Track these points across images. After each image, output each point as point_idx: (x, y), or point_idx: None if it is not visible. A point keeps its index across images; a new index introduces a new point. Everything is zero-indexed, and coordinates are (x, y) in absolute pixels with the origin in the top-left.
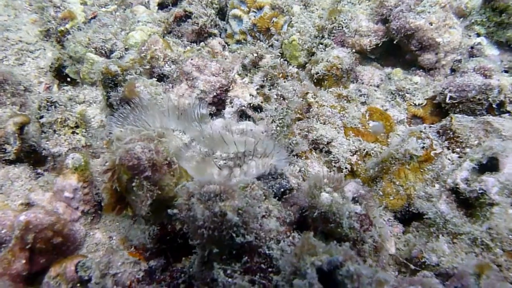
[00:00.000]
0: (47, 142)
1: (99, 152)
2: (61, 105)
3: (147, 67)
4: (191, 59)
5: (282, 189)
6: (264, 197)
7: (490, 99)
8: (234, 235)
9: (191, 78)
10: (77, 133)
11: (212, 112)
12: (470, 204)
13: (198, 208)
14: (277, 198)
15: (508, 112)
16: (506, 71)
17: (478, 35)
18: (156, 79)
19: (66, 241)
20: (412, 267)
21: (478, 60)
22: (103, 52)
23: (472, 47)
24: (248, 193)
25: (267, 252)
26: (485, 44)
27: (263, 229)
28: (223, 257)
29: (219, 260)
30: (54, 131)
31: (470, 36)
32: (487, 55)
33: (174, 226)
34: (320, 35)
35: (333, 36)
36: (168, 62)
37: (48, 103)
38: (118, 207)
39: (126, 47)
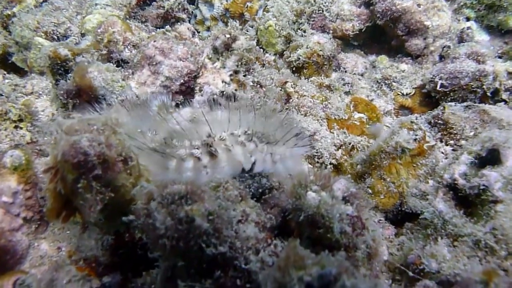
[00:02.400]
0: None
1: (47, 149)
2: (1, 95)
3: (104, 52)
4: (154, 41)
5: (261, 189)
6: (240, 199)
7: (484, 86)
8: (203, 245)
9: (154, 63)
10: (21, 128)
11: (179, 102)
12: (471, 201)
13: (159, 214)
14: (255, 199)
15: (504, 100)
16: (499, 57)
17: (468, 19)
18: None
19: (3, 254)
20: (411, 274)
21: (470, 45)
22: (55, 37)
23: (461, 32)
24: (220, 194)
25: (243, 265)
26: (475, 28)
27: (239, 237)
28: (190, 272)
29: (186, 276)
30: None
31: (459, 20)
32: (477, 41)
33: (132, 235)
34: (299, 20)
35: (313, 20)
36: (129, 47)
37: None
38: (64, 213)
39: (82, 32)
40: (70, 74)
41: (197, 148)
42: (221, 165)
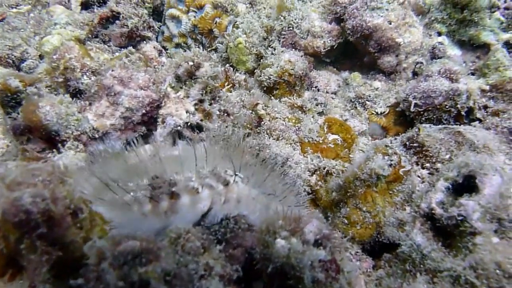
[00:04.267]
0: None
1: None
2: None
3: (60, 79)
4: (112, 70)
5: (228, 235)
6: (202, 250)
7: (458, 105)
8: None
9: (113, 93)
10: None
11: (142, 134)
12: (449, 232)
13: (110, 278)
14: (221, 245)
15: (478, 119)
16: (472, 74)
17: (439, 34)
18: (69, 95)
19: None
20: None
21: (442, 62)
22: (11, 61)
23: (433, 47)
24: (179, 248)
25: None
26: (447, 43)
27: None
28: None
29: None
30: None
31: (430, 35)
32: (449, 56)
33: None
34: (269, 37)
35: (284, 37)
36: (87, 73)
37: None
38: (9, 272)
39: (40, 54)
40: (21, 109)
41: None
42: (183, 210)
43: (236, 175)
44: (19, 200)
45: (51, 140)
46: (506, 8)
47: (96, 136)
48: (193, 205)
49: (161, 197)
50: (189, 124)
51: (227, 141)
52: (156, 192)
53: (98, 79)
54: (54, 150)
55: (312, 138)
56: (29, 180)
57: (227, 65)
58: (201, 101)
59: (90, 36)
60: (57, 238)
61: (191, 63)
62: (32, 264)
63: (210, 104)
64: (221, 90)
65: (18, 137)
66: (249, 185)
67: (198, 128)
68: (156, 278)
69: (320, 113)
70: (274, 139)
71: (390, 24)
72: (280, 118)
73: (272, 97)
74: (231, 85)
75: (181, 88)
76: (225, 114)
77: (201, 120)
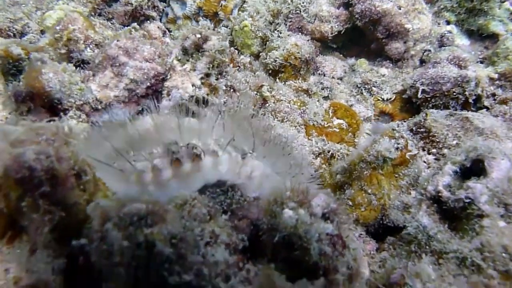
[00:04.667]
0: None
1: None
2: None
3: (63, 51)
4: (117, 40)
5: (234, 206)
6: (208, 217)
7: (466, 92)
8: (166, 274)
9: (118, 64)
10: None
11: (145, 108)
12: (456, 215)
13: (114, 238)
14: (226, 215)
15: (486, 107)
16: (481, 62)
17: (448, 22)
18: (73, 66)
19: None
20: None
21: (451, 49)
22: (12, 34)
23: (442, 36)
24: (186, 213)
25: None
26: (455, 32)
27: (207, 263)
28: None
29: None
30: None
31: (439, 23)
32: (458, 45)
33: (87, 258)
34: (276, 21)
35: (290, 21)
36: (91, 46)
37: None
38: (8, 233)
39: (42, 29)
40: (23, 75)
41: (159, 158)
42: (187, 177)
43: (252, 152)
44: (22, 156)
45: (53, 108)
46: None
47: (99, 107)
48: (215, 166)
49: (183, 159)
50: (194, 97)
51: (238, 117)
52: (178, 155)
53: (103, 49)
54: (55, 119)
55: (317, 122)
56: (33, 138)
57: (232, 48)
58: (207, 75)
59: (93, 13)
60: (60, 198)
61: (198, 36)
62: (34, 224)
63: (217, 79)
64: (228, 65)
65: (20, 105)
66: (264, 162)
67: (204, 102)
68: (162, 240)
69: (326, 98)
70: (278, 120)
71: (400, 9)
72: (285, 101)
73: (278, 80)
74: (236, 67)
75: (187, 61)
76: (232, 90)
77: (207, 94)
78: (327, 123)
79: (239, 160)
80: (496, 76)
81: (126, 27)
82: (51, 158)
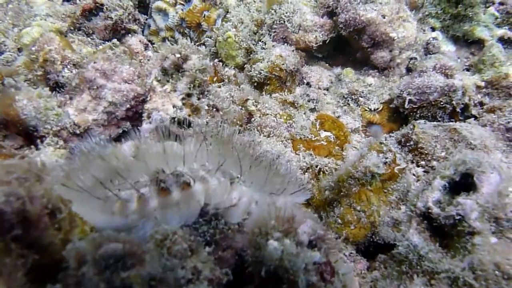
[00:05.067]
0: None
1: None
2: None
3: (39, 72)
4: (94, 62)
5: (217, 236)
6: (190, 253)
7: (454, 102)
8: None
9: (95, 87)
10: None
11: (126, 129)
12: (446, 232)
13: (90, 283)
14: (209, 247)
15: (474, 116)
16: (467, 69)
17: (433, 29)
18: (49, 89)
19: None
20: None
21: (437, 58)
22: None
23: (427, 43)
24: (165, 251)
25: None
26: (440, 39)
27: None
28: None
29: None
30: None
31: (424, 30)
32: (444, 51)
33: None
34: (260, 31)
35: (274, 31)
36: (68, 66)
37: None
38: None
39: (19, 47)
40: None
41: (145, 186)
42: (175, 207)
43: (239, 176)
44: None
45: (29, 136)
46: (501, 3)
47: (78, 131)
48: (206, 191)
49: (172, 188)
50: (176, 119)
51: (222, 139)
52: (166, 183)
53: (79, 71)
54: (32, 146)
55: (304, 135)
56: (3, 178)
57: (216, 60)
58: (188, 95)
59: (72, 28)
60: (34, 240)
61: (178, 55)
62: (7, 268)
63: (199, 99)
64: (210, 84)
65: None
66: (252, 188)
67: (185, 123)
68: (139, 283)
69: (312, 110)
70: (265, 136)
71: (384, 18)
72: (271, 114)
73: (263, 93)
74: (220, 80)
75: (167, 81)
76: (214, 109)
77: (189, 115)
78: (315, 136)
79: (227, 186)
80: (483, 84)
81: (106, 42)
82: (22, 200)
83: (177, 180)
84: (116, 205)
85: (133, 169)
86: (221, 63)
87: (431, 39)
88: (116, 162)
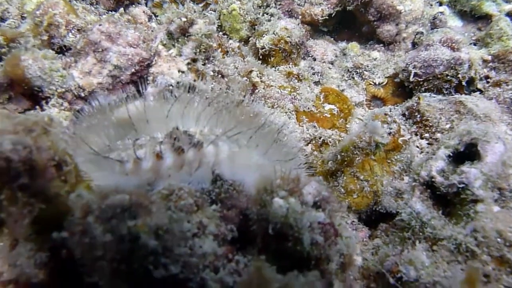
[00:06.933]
0: None
1: None
2: None
3: (44, 37)
4: (99, 25)
5: (222, 195)
6: (196, 208)
7: (459, 75)
8: (151, 267)
9: (100, 50)
10: None
11: (130, 95)
12: (449, 200)
13: (96, 231)
14: (214, 205)
15: (479, 90)
16: (474, 44)
17: (440, 3)
18: (55, 52)
19: None
20: (392, 281)
21: (444, 31)
22: None
23: (434, 17)
24: (172, 204)
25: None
26: (448, 13)
27: (195, 254)
28: None
29: None
30: None
31: (431, 5)
32: (450, 27)
33: (70, 252)
34: (265, 4)
35: (280, 4)
36: (73, 31)
37: None
38: None
39: (23, 14)
40: (1, 63)
41: (161, 143)
42: (187, 167)
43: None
44: None
45: (34, 97)
46: None
47: (82, 94)
48: (217, 155)
49: (186, 147)
50: (181, 84)
51: (228, 104)
52: (180, 143)
53: (84, 34)
54: (37, 107)
55: (308, 107)
56: (11, 128)
57: (221, 33)
58: (194, 60)
59: None
60: (40, 190)
61: (184, 19)
62: (13, 217)
63: (204, 64)
64: (216, 50)
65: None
66: (257, 151)
67: (190, 88)
68: (146, 232)
69: (317, 83)
70: (269, 107)
71: None
72: (275, 86)
73: (268, 65)
74: (224, 52)
75: (173, 45)
76: (220, 76)
77: (194, 80)
78: (318, 109)
79: (235, 151)
80: (489, 58)
81: (110, 12)
82: (29, 149)
83: (191, 140)
84: (129, 164)
85: (143, 127)
86: (225, 36)
87: (438, 13)
88: (127, 121)
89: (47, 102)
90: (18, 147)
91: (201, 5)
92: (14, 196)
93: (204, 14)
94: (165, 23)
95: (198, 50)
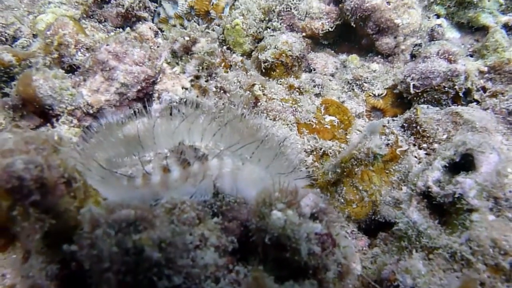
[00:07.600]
0: None
1: None
2: None
3: (55, 55)
4: (107, 45)
5: (224, 207)
6: (198, 221)
7: (456, 86)
8: (155, 278)
9: (108, 69)
10: None
11: (137, 111)
12: (445, 210)
13: (104, 244)
14: (216, 218)
15: (476, 101)
16: (470, 55)
17: (438, 16)
18: (64, 71)
19: None
20: None
21: (441, 44)
22: (4, 39)
23: (432, 30)
24: (175, 217)
25: None
26: (445, 26)
27: (197, 265)
28: None
29: None
30: None
31: (429, 17)
32: (448, 38)
33: (79, 264)
34: (267, 18)
35: (281, 19)
36: (82, 50)
37: None
38: (1, 241)
39: (34, 33)
40: (14, 82)
41: (167, 157)
42: (192, 179)
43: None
44: (11, 166)
45: (45, 115)
46: None
47: (91, 111)
48: (220, 168)
49: (191, 160)
50: (184, 100)
51: (231, 119)
52: (186, 156)
53: (92, 54)
54: (48, 124)
55: (309, 119)
56: (22, 148)
57: (224, 47)
58: (197, 77)
59: (85, 16)
60: (51, 206)
61: (187, 38)
62: (25, 231)
63: (207, 81)
64: (218, 67)
65: (12, 112)
66: (259, 165)
67: (194, 104)
68: (150, 245)
69: (317, 95)
70: (271, 119)
71: (389, 4)
72: (277, 99)
73: (270, 78)
74: (227, 66)
75: (177, 63)
76: (222, 91)
77: (197, 97)
78: (319, 120)
79: (239, 164)
80: (485, 69)
81: (118, 29)
82: (40, 167)
83: (196, 154)
84: (138, 179)
85: (150, 144)
86: (228, 50)
87: (436, 26)
88: (134, 138)
89: (57, 119)
90: (30, 166)
91: (205, 20)
92: (26, 212)
93: (207, 32)
94: (169, 42)
95: (200, 68)
